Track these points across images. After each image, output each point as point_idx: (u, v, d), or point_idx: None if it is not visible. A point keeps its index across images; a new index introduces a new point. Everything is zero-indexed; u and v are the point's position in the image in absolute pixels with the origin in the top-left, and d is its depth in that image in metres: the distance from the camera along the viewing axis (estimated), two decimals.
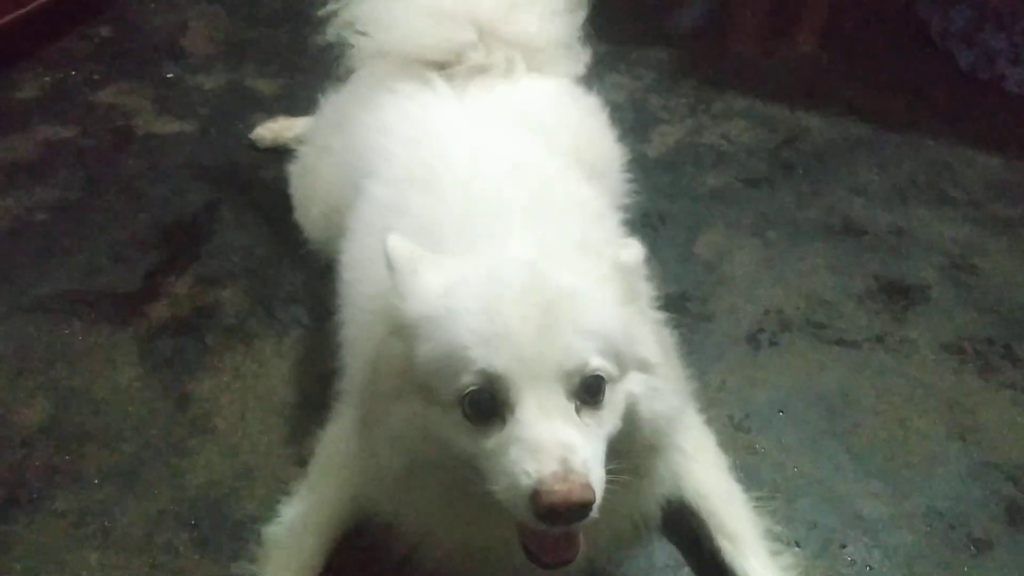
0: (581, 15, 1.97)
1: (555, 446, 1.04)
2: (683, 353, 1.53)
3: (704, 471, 1.58)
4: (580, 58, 2.01)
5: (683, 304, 2.08)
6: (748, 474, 1.66)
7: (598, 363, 1.11)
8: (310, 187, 2.06)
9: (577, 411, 1.10)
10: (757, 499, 1.59)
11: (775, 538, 1.54)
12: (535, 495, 1.01)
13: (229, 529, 1.60)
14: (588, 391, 1.11)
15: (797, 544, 1.58)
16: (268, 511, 1.57)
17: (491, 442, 1.08)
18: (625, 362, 1.18)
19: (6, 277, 2.10)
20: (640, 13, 3.31)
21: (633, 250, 1.28)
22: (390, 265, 1.20)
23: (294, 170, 2.17)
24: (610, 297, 1.19)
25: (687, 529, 1.57)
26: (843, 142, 2.70)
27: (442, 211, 1.45)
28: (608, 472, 1.10)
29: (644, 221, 2.23)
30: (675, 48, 3.14)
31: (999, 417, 1.86)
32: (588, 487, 1.02)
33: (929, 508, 1.68)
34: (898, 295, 2.15)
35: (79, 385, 1.85)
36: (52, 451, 1.72)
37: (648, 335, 1.27)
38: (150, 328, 1.99)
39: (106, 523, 1.61)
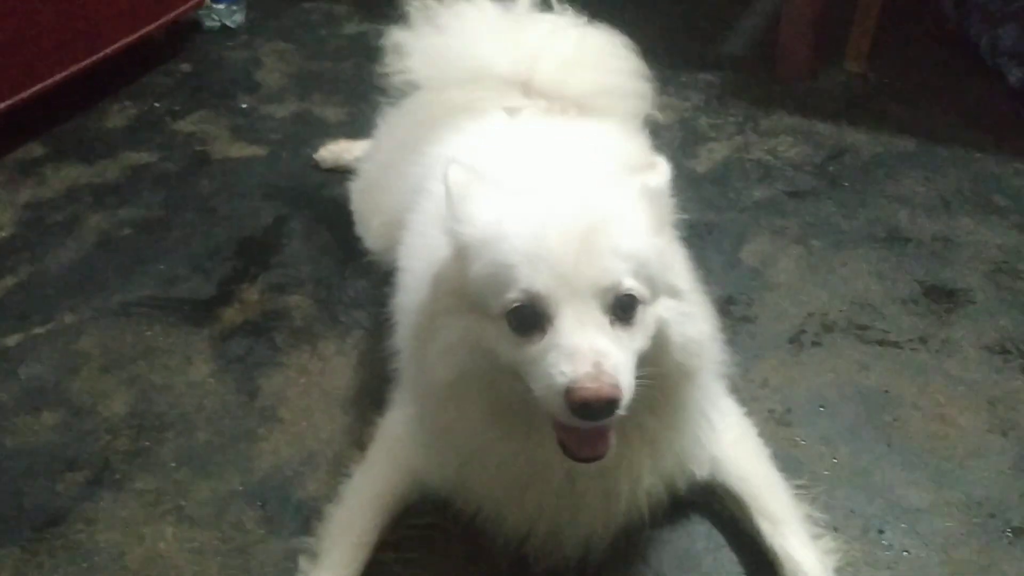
0: (635, 60, 2.04)
1: (588, 351, 1.16)
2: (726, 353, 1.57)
3: (745, 457, 1.64)
4: (643, 99, 2.10)
5: (727, 307, 2.14)
6: (788, 465, 1.70)
7: (631, 284, 1.22)
8: (371, 200, 2.19)
9: (611, 325, 1.21)
10: (797, 487, 1.63)
11: (814, 523, 1.58)
12: (569, 392, 1.13)
13: (293, 508, 1.71)
14: (622, 309, 1.22)
15: (835, 529, 1.62)
16: (330, 491, 1.66)
17: (533, 350, 1.20)
18: (657, 287, 1.27)
19: (95, 284, 2.28)
20: (689, 40, 3.44)
21: (660, 171, 1.38)
22: (448, 193, 1.31)
23: (355, 186, 2.31)
24: (644, 225, 1.29)
25: (727, 513, 1.63)
26: (889, 156, 2.75)
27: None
28: (637, 379, 1.21)
29: (691, 231, 2.29)
30: (724, 72, 3.24)
31: None
32: (616, 387, 1.14)
33: (968, 498, 1.70)
34: (942, 298, 2.18)
35: (159, 380, 2.00)
36: (134, 438, 1.86)
37: (679, 263, 1.39)
38: (224, 330, 2.13)
39: (181, 502, 1.73)
